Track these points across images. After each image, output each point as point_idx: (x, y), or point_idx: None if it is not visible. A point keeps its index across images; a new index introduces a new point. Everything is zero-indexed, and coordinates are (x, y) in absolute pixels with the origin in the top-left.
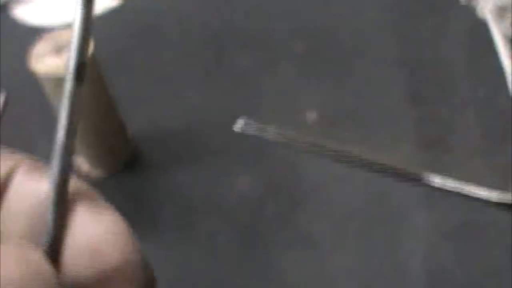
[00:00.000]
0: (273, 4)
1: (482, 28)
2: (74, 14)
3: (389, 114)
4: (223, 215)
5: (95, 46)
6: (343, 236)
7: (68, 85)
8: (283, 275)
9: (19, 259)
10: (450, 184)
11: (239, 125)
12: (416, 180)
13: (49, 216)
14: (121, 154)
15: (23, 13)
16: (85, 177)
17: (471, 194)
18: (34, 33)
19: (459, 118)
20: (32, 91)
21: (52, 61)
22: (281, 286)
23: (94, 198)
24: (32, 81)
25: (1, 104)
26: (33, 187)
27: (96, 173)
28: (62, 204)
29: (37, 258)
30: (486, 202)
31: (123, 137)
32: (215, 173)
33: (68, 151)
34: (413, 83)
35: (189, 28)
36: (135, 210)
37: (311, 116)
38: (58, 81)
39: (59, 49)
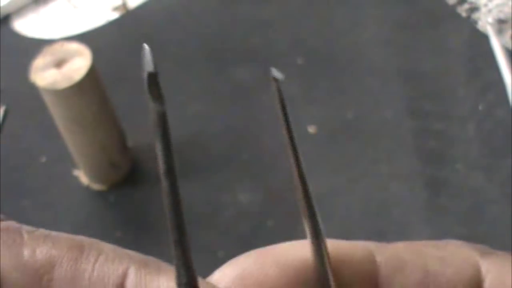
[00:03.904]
0: (272, 18)
1: (482, 41)
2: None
3: (388, 127)
4: (223, 229)
5: (95, 57)
6: None
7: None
8: None
9: None
10: None
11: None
12: None
13: None
14: (121, 166)
15: (24, 26)
16: (86, 189)
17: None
18: (34, 46)
19: (459, 131)
20: (32, 103)
21: (52, 74)
22: None
23: None
24: (32, 93)
25: (1, 117)
26: (151, 285)
27: (96, 185)
28: None
29: None
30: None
31: (123, 149)
32: (215, 186)
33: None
34: (413, 96)
35: (189, 41)
36: (134, 223)
37: (311, 128)
38: (58, 93)
39: (59, 62)
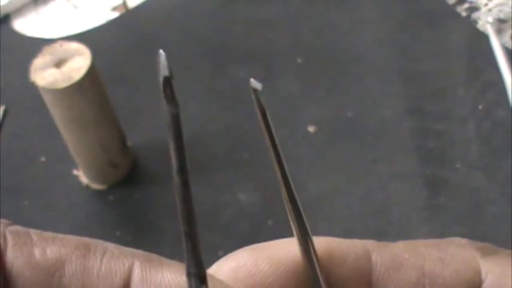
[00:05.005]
0: (272, 18)
1: (482, 40)
2: None
3: (388, 127)
4: (223, 228)
5: (95, 57)
6: None
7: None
8: None
9: None
10: None
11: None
12: None
13: None
14: (121, 166)
15: (24, 26)
16: (85, 189)
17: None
18: (34, 45)
19: (459, 131)
20: (32, 103)
21: (52, 74)
22: None
23: None
24: (32, 93)
25: (1, 116)
26: (155, 282)
27: (95, 185)
28: None
29: None
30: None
31: (123, 149)
32: (215, 185)
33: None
34: (413, 96)
35: (189, 41)
36: (134, 223)
37: (311, 128)
38: (58, 93)
39: (59, 62)
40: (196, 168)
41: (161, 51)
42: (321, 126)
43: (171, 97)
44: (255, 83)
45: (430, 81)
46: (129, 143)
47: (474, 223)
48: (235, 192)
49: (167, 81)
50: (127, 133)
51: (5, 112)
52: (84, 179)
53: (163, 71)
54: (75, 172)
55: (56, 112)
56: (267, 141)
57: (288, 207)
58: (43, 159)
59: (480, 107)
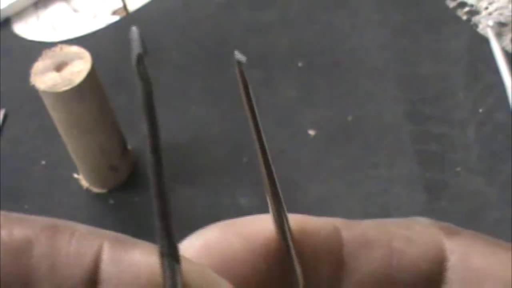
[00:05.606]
0: (273, 21)
1: (482, 44)
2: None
3: (388, 130)
4: None
5: (95, 60)
6: None
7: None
8: None
9: None
10: None
11: None
12: None
13: None
14: (121, 169)
15: (24, 29)
16: (86, 193)
17: None
18: (34, 49)
19: (459, 135)
20: (32, 107)
21: (52, 77)
22: None
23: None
24: (32, 97)
25: (1, 120)
26: (125, 262)
27: (96, 188)
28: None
29: None
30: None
31: (123, 153)
32: (215, 188)
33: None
34: (413, 99)
35: (189, 44)
36: (134, 226)
37: (311, 131)
38: (58, 96)
39: (59, 65)
40: (196, 171)
41: (133, 27)
42: (321, 129)
43: (144, 74)
44: (239, 55)
45: (430, 84)
46: (129, 147)
47: (474, 227)
48: (235, 195)
49: (140, 58)
50: (127, 136)
51: (6, 116)
52: (84, 182)
53: (136, 48)
54: (75, 175)
55: (56, 116)
56: (248, 114)
57: (265, 183)
58: (43, 162)
59: (480, 110)
